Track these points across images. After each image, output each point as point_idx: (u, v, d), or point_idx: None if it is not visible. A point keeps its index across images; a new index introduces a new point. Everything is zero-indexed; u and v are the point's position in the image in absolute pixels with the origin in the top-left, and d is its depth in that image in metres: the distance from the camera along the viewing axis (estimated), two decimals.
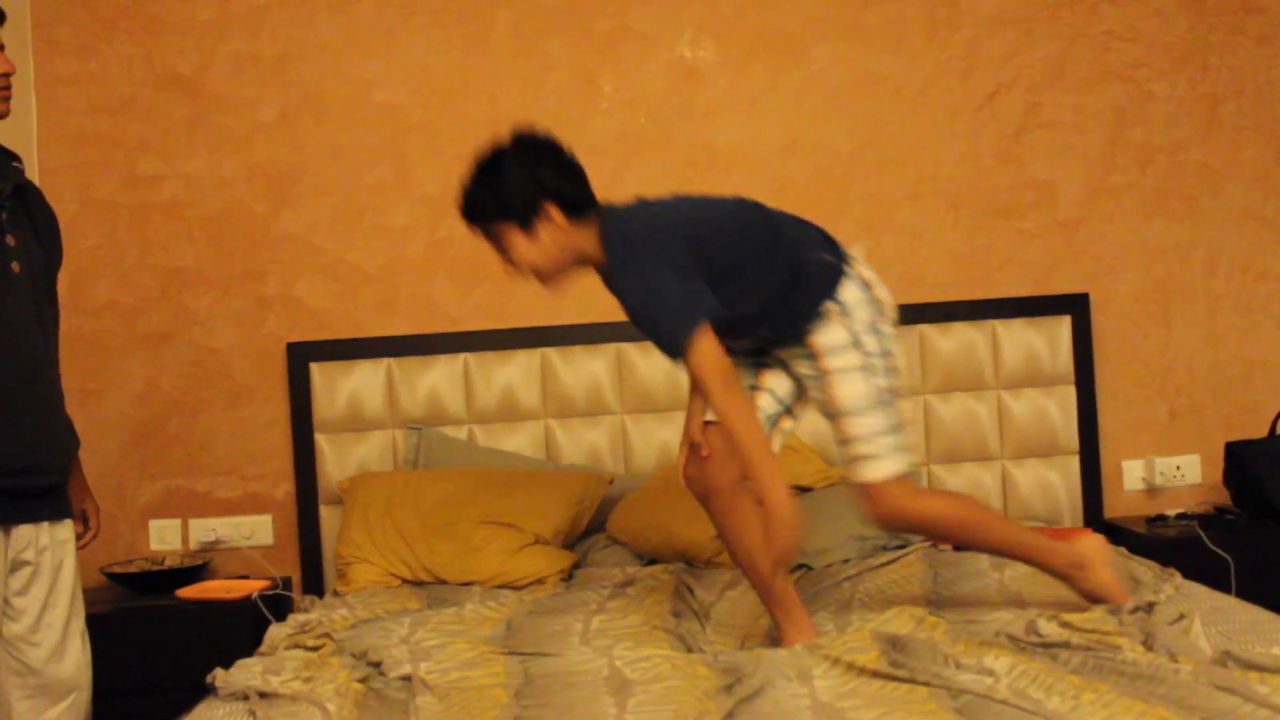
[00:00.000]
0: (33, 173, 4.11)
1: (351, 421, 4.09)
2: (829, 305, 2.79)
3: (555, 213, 2.77)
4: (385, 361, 4.10)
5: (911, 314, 4.11)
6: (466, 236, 4.10)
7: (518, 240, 2.83)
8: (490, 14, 4.22)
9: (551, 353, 4.12)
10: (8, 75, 2.78)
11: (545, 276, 2.89)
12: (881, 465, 2.73)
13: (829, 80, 4.27)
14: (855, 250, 2.94)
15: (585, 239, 2.81)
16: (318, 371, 4.09)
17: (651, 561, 3.68)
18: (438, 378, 4.10)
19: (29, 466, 2.77)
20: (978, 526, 2.84)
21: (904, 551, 3.51)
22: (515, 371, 4.11)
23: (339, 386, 4.09)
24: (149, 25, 4.20)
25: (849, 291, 2.80)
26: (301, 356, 4.09)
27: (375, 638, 3.00)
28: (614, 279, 2.83)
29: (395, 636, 3.02)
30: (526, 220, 2.79)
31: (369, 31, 4.21)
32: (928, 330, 4.16)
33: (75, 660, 2.87)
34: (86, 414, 4.11)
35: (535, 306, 4.14)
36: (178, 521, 4.15)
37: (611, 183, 4.15)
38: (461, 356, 4.11)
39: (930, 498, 2.80)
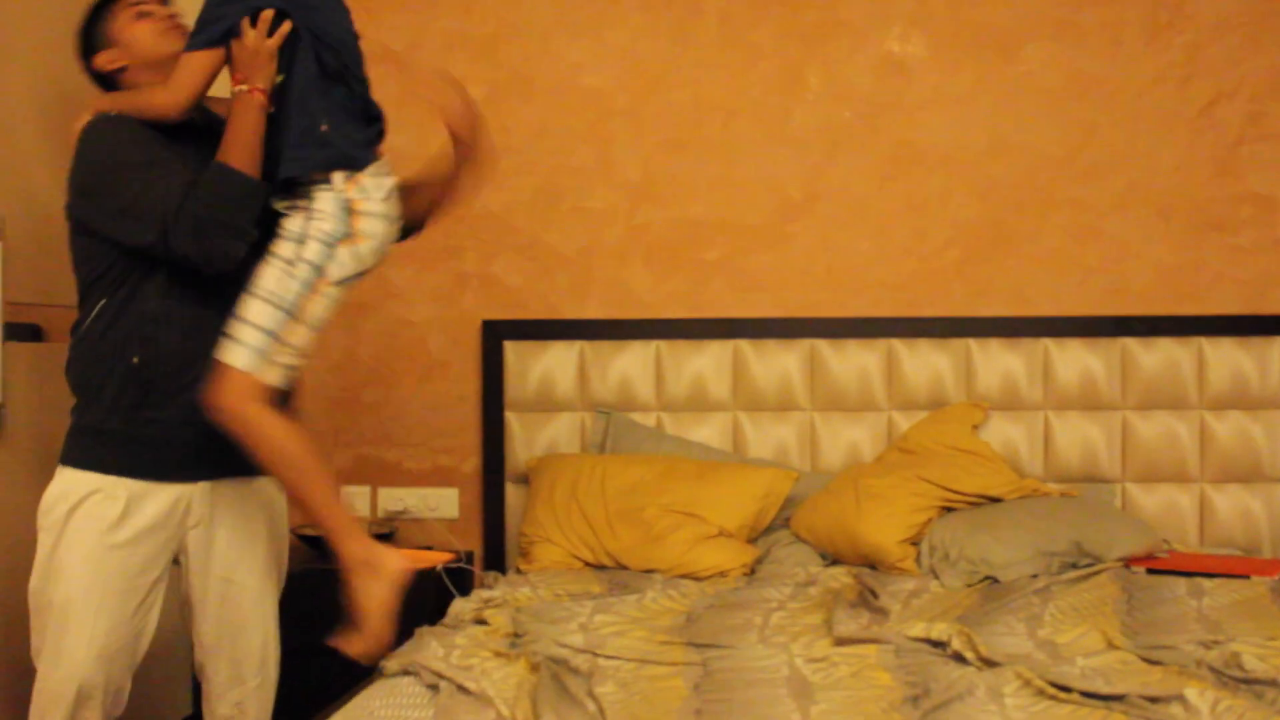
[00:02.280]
0: None
1: (542, 402, 4.12)
2: (307, 190, 2.66)
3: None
4: (578, 344, 4.12)
5: (1114, 327, 4.02)
6: (665, 223, 4.16)
7: None
8: (699, 2, 4.21)
9: (744, 345, 4.09)
10: (172, 16, 2.81)
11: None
12: (241, 353, 2.53)
13: (1039, 81, 4.16)
14: (376, 179, 2.77)
15: None
16: (511, 350, 4.13)
17: (835, 562, 3.65)
18: (629, 363, 4.11)
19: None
20: (303, 473, 2.60)
21: (1095, 570, 3.42)
22: (707, 361, 4.10)
23: (531, 366, 4.13)
24: (363, 4, 4.24)
25: (325, 200, 2.64)
26: (496, 334, 4.14)
27: (556, 620, 3.02)
28: None
29: (575, 621, 3.03)
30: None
31: (578, 15, 4.23)
32: (1130, 344, 4.04)
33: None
34: None
35: (730, 297, 4.14)
36: (367, 489, 4.23)
37: (814, 176, 4.13)
38: (654, 343, 4.11)
39: (273, 418, 2.53)
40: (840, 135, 4.18)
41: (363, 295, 4.23)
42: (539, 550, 3.72)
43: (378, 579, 2.59)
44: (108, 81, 2.78)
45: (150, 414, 2.65)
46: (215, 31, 2.60)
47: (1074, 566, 3.48)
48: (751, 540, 3.74)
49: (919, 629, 2.83)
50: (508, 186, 4.21)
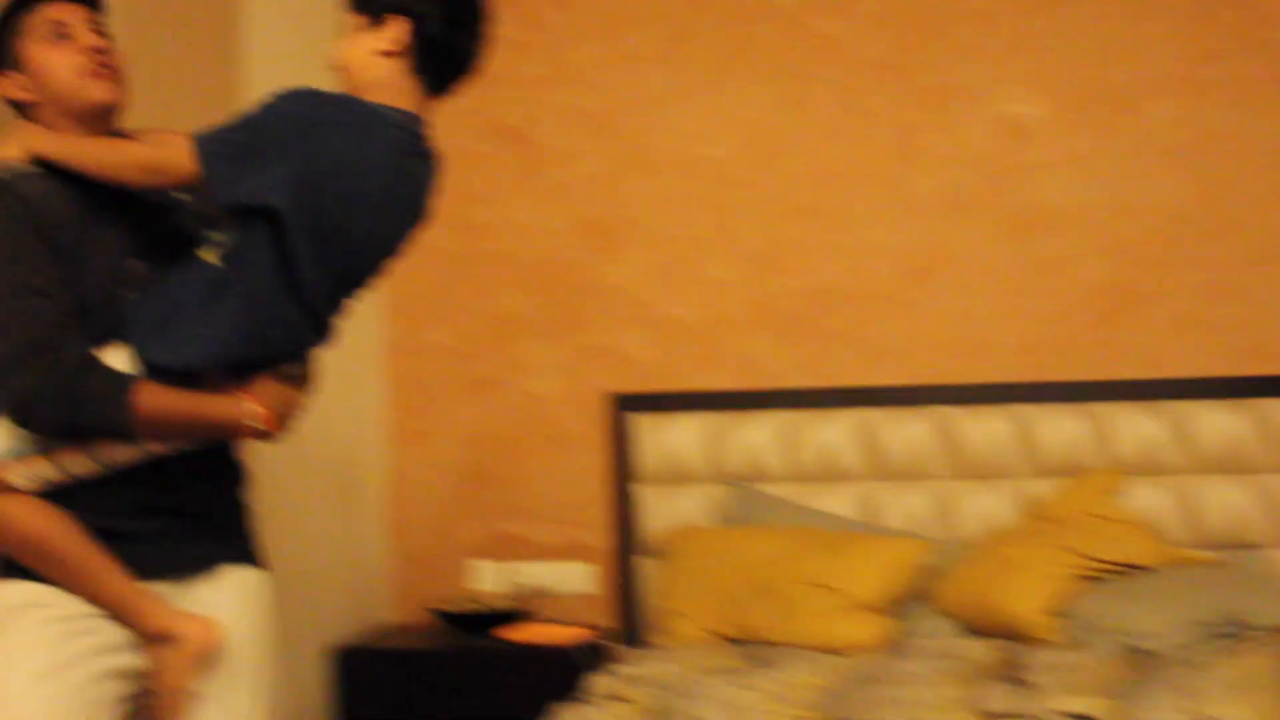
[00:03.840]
0: None
1: (671, 474, 4.12)
2: None
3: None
4: (705, 415, 4.12)
5: (1255, 386, 3.93)
6: (788, 292, 4.15)
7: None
8: (812, 70, 4.22)
9: (873, 413, 4.06)
10: (100, 51, 2.23)
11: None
12: None
13: (1165, 138, 4.11)
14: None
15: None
16: (639, 423, 4.14)
17: (975, 633, 3.59)
18: (757, 434, 4.10)
19: None
20: (61, 558, 2.16)
21: (1249, 640, 3.34)
22: (836, 431, 4.07)
23: (660, 439, 4.13)
24: (482, 80, 4.31)
25: None
26: (624, 407, 4.15)
27: (695, 696, 3.00)
28: None
29: (715, 697, 3.01)
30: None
31: (694, 86, 4.26)
32: (1274, 404, 3.93)
33: None
34: (416, 454, 4.27)
35: (858, 365, 4.11)
36: (500, 563, 4.24)
37: (937, 240, 4.11)
38: (782, 413, 4.09)
39: (14, 506, 2.14)
40: (962, 199, 4.15)
41: (490, 370, 4.27)
42: (675, 625, 3.71)
43: (178, 651, 2.21)
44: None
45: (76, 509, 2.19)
46: (228, 190, 2.13)
47: (1226, 637, 3.40)
48: (889, 612, 3.70)
49: (1069, 703, 2.79)
50: (631, 259, 4.23)
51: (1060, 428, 3.98)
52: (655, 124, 4.26)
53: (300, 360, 2.31)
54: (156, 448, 2.20)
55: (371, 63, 2.24)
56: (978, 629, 3.59)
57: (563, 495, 4.24)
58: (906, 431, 4.05)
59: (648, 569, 4.10)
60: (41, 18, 2.21)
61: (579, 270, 4.26)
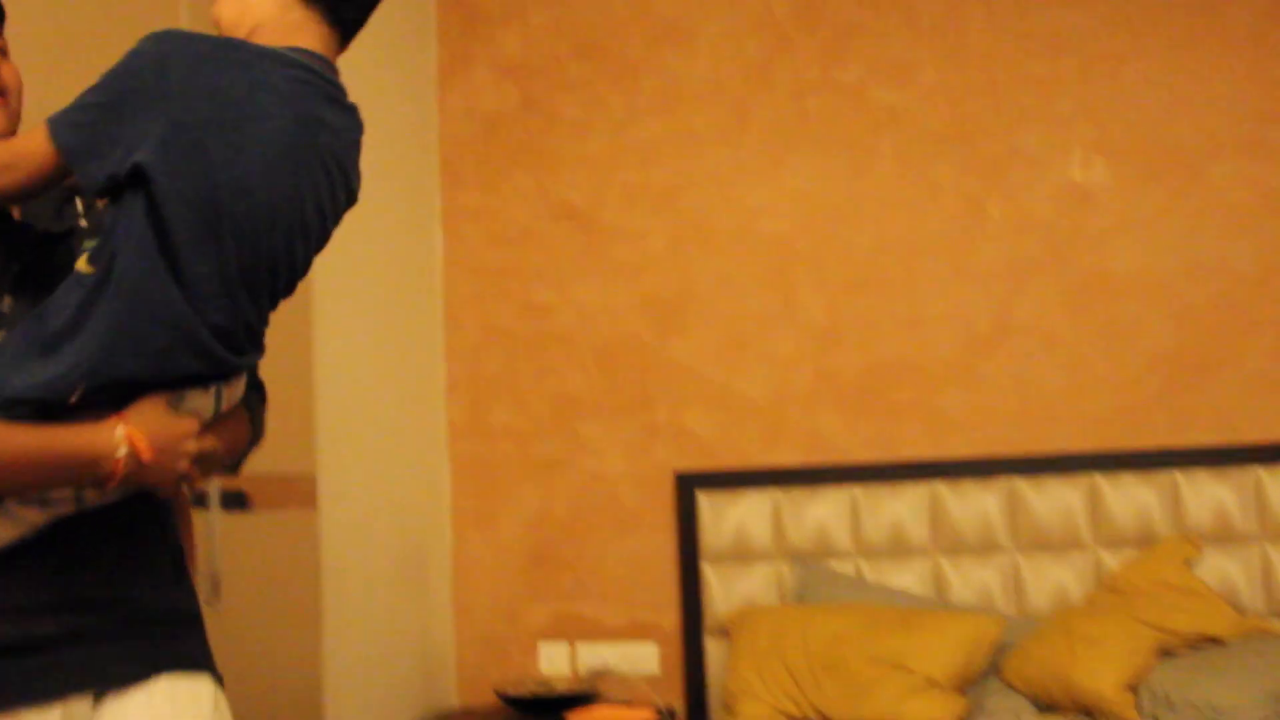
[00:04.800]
0: (437, 302, 4.33)
1: (738, 552, 4.09)
2: None
3: None
4: (771, 492, 4.09)
5: None
6: (853, 365, 4.14)
7: None
8: (874, 140, 4.22)
9: (941, 486, 4.02)
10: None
11: None
12: None
13: (1231, 199, 4.06)
14: None
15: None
16: (705, 500, 4.12)
17: (1050, 710, 3.52)
18: (824, 510, 4.07)
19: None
20: None
21: None
22: (903, 505, 4.03)
23: (726, 516, 4.11)
24: (545, 160, 4.38)
25: None
26: (689, 485, 4.14)
27: None
28: None
29: None
30: None
31: (755, 161, 4.27)
32: None
33: None
34: (481, 536, 4.28)
35: (924, 438, 4.08)
36: (567, 645, 4.23)
37: (1002, 309, 4.08)
38: (848, 489, 4.06)
39: None
40: (1027, 267, 4.12)
41: (554, 451, 4.27)
42: (743, 705, 3.67)
43: None
44: None
45: None
46: (95, 164, 1.69)
47: None
48: (961, 690, 3.64)
49: None
50: (694, 336, 4.23)
51: (1131, 497, 3.92)
52: (717, 200, 4.28)
53: (210, 386, 1.80)
54: (34, 515, 1.73)
55: (255, 6, 1.84)
56: (1052, 705, 3.52)
57: (628, 575, 4.23)
58: (975, 504, 4.01)
59: (715, 648, 4.07)
60: None
61: (642, 348, 4.27)
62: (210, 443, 1.82)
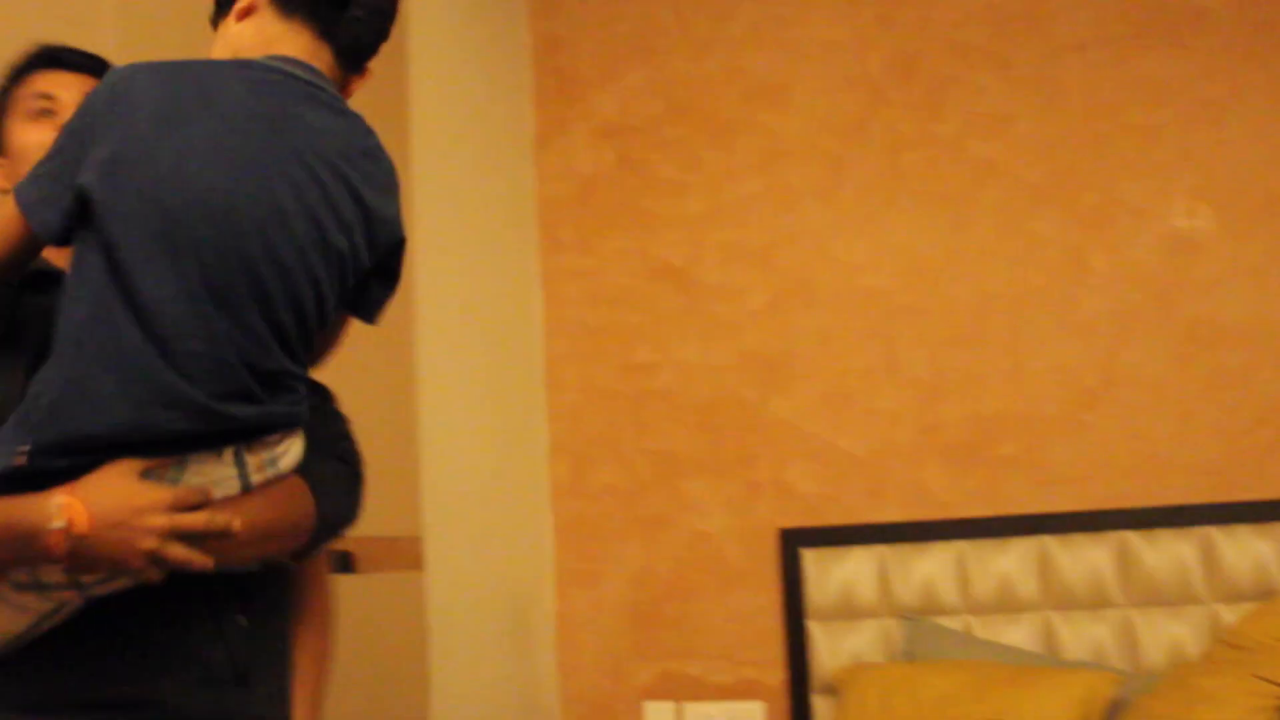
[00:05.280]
0: (538, 363, 4.37)
1: (844, 609, 4.06)
2: None
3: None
4: (877, 548, 4.06)
5: None
6: (957, 420, 4.10)
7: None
8: (974, 194, 4.20)
9: (1049, 541, 3.96)
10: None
11: None
12: None
13: None
14: None
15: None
16: (810, 557, 4.10)
17: None
18: (931, 566, 4.02)
19: None
20: None
21: None
22: (1011, 560, 3.98)
23: (831, 573, 4.08)
24: (643, 220, 4.40)
25: None
26: (793, 542, 4.11)
27: None
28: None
29: None
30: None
31: (853, 216, 4.26)
32: None
33: None
34: (585, 595, 4.28)
35: (1031, 492, 4.02)
36: (673, 704, 4.20)
37: (1108, 361, 4.03)
38: (955, 544, 4.02)
39: None
40: (1132, 317, 4.06)
41: (657, 509, 4.27)
42: None
43: None
44: None
45: None
46: (52, 213, 1.57)
47: None
48: None
49: None
50: (795, 392, 4.22)
51: (1247, 549, 3.84)
52: (816, 256, 4.27)
53: (221, 450, 1.59)
54: (33, 601, 1.56)
55: (235, 35, 1.73)
56: None
57: (734, 633, 4.20)
58: (1085, 559, 3.94)
59: (822, 707, 4.02)
60: (28, 90, 1.87)
61: (744, 406, 4.26)
62: (216, 519, 1.55)
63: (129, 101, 1.58)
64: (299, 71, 1.68)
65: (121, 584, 1.56)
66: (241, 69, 1.66)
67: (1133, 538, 3.92)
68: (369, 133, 1.74)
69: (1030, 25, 4.21)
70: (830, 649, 4.05)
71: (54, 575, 1.54)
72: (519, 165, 4.45)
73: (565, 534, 4.35)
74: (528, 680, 4.17)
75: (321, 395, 1.89)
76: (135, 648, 1.61)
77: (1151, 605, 3.89)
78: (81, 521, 1.49)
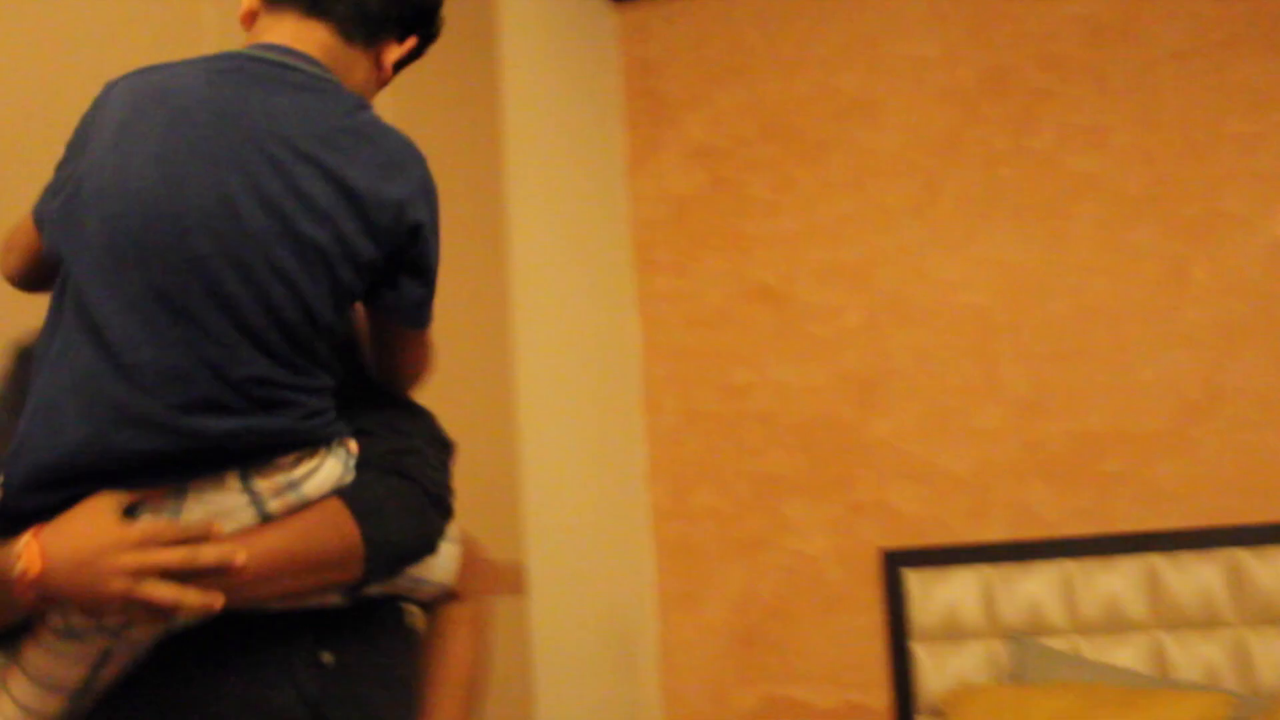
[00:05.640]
0: (636, 385, 4.37)
1: (948, 630, 4.02)
2: None
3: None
4: (980, 568, 4.02)
5: None
6: (1060, 436, 4.05)
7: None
8: (1072, 208, 4.15)
9: (1157, 559, 3.90)
10: None
11: None
12: None
13: None
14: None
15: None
16: (912, 578, 4.06)
17: None
18: (1036, 586, 3.97)
19: None
20: None
21: None
22: (1119, 580, 3.92)
23: (934, 594, 4.04)
24: (738, 241, 4.40)
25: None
26: (895, 563, 4.09)
27: None
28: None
29: None
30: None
31: (950, 233, 4.23)
32: None
33: None
34: (687, 618, 4.28)
35: (1138, 509, 3.97)
36: None
37: (1214, 374, 3.97)
38: (1061, 563, 3.97)
39: None
40: (1237, 331, 4.00)
41: (757, 531, 4.26)
42: None
43: None
44: None
45: None
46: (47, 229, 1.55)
47: None
48: None
49: None
50: (895, 412, 4.19)
51: None
52: (912, 274, 4.25)
53: (223, 474, 1.47)
54: (71, 647, 1.48)
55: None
56: None
57: (838, 656, 4.18)
58: (1194, 577, 3.88)
59: None
60: None
61: (843, 426, 4.24)
62: (201, 554, 1.42)
63: (104, 112, 1.54)
64: (269, 54, 1.59)
65: (162, 626, 1.47)
66: (206, 62, 1.58)
67: (1243, 555, 3.85)
68: (356, 109, 1.58)
69: (1124, 35, 4.16)
70: (935, 671, 4.02)
71: (78, 620, 1.46)
72: (613, 188, 4.46)
73: (666, 557, 4.35)
74: (632, 705, 4.17)
75: (394, 413, 1.71)
76: (198, 693, 1.52)
77: (1265, 624, 3.82)
78: (35, 564, 1.39)
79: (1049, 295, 4.14)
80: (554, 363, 3.80)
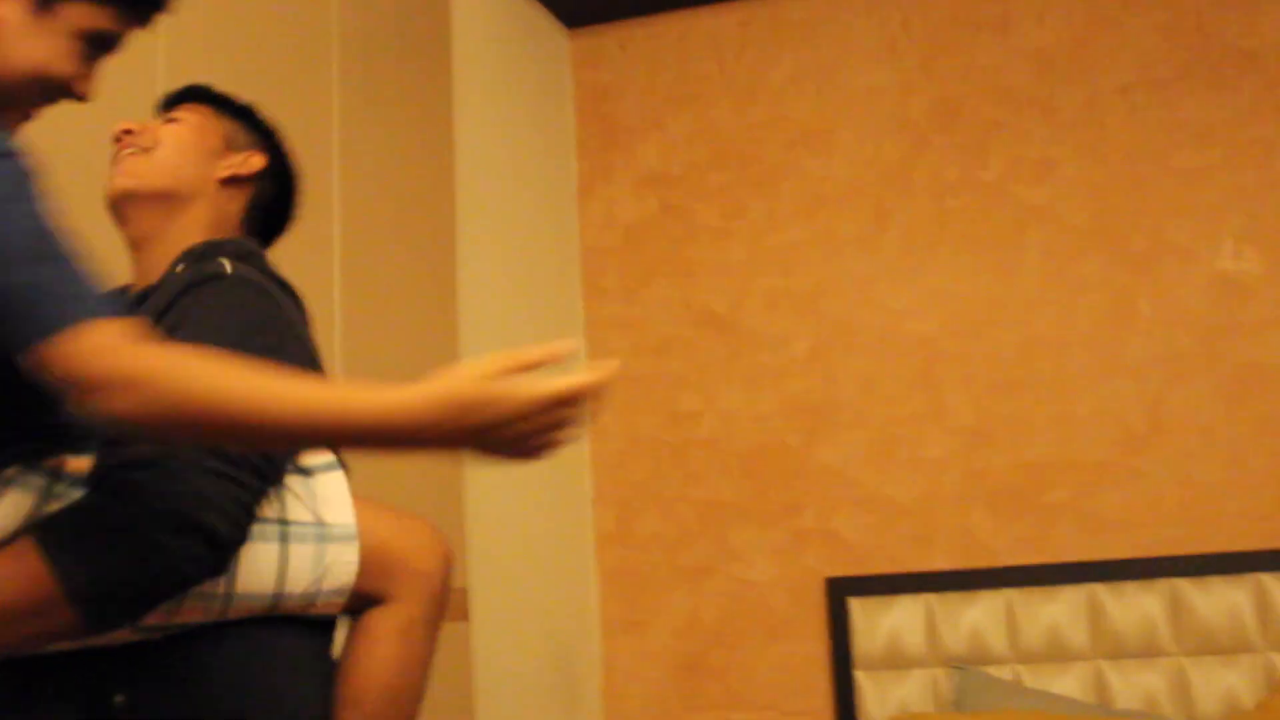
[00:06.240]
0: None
1: (891, 658, 4.02)
2: None
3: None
4: (924, 597, 4.02)
5: None
6: (1004, 466, 4.07)
7: None
8: (1019, 239, 4.18)
9: (1099, 589, 3.92)
10: (128, 133, 1.81)
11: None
12: None
13: None
14: None
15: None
16: (857, 607, 4.06)
17: None
18: (979, 615, 3.98)
19: None
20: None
21: None
22: (1061, 609, 3.93)
23: (878, 622, 4.04)
24: (686, 268, 4.41)
25: None
26: (840, 591, 4.08)
27: None
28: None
29: None
30: None
31: (898, 262, 4.25)
32: None
33: None
34: (630, 644, 4.26)
35: (1080, 539, 3.98)
36: None
37: (1156, 406, 3.99)
38: (1004, 592, 3.97)
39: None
40: (1179, 363, 4.03)
41: (703, 558, 4.25)
42: None
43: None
44: None
45: None
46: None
47: None
48: None
49: None
50: (841, 440, 4.20)
51: None
52: (861, 303, 4.26)
53: None
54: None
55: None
56: None
57: (782, 683, 4.17)
58: (1136, 607, 3.89)
59: None
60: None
61: (789, 453, 4.24)
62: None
63: None
64: None
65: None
66: None
67: (1184, 585, 3.87)
68: None
69: (1073, 69, 4.20)
70: (878, 699, 4.02)
71: None
72: (563, 214, 4.46)
73: (610, 584, 4.34)
74: None
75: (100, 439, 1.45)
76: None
77: (1205, 654, 3.84)
78: None
79: (996, 325, 4.16)
80: None
